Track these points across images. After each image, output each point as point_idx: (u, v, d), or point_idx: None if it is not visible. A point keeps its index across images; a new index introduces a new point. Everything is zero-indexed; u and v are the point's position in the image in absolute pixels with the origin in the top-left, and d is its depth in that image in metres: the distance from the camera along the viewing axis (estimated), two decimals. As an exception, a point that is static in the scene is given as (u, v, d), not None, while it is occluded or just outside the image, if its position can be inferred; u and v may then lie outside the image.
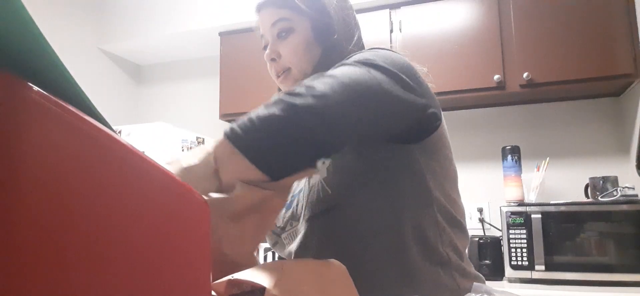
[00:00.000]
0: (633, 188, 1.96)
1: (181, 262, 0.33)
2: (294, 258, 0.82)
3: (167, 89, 3.34)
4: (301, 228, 0.82)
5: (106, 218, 0.28)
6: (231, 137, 0.57)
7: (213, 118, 2.97)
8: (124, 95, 3.28)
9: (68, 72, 0.29)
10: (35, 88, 0.25)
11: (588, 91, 2.28)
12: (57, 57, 0.28)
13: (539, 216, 1.89)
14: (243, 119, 0.58)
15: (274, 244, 0.90)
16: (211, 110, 3.02)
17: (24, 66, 0.27)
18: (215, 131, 3.01)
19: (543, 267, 1.85)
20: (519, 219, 1.92)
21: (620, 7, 2.08)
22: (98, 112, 0.31)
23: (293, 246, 0.84)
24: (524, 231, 1.90)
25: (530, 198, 2.18)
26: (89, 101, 0.31)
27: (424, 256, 0.76)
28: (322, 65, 0.85)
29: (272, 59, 0.88)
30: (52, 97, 0.26)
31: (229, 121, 2.90)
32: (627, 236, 1.80)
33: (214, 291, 0.49)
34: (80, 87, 0.30)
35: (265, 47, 0.91)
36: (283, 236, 0.87)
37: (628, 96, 2.22)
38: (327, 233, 0.79)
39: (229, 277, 0.50)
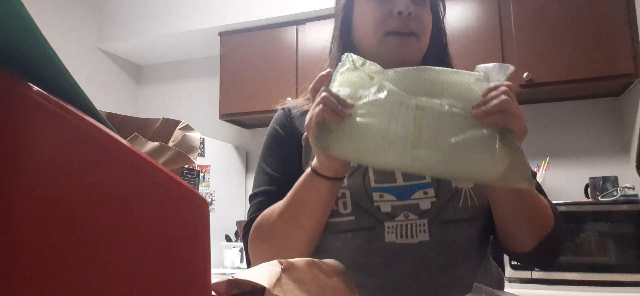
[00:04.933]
0: (633, 188, 1.96)
1: (181, 261, 0.33)
2: (410, 255, 0.77)
3: (167, 89, 3.34)
4: (423, 227, 0.77)
5: (106, 218, 0.28)
6: None
7: (213, 118, 2.97)
8: (124, 95, 3.28)
9: (68, 72, 0.29)
10: (35, 88, 0.25)
11: (588, 91, 2.28)
12: (57, 57, 0.28)
13: (539, 216, 1.89)
14: None
15: (369, 229, 0.78)
16: (211, 110, 3.02)
17: (24, 66, 0.27)
18: (215, 131, 3.01)
19: (543, 267, 1.85)
20: (519, 219, 1.91)
21: (620, 7, 2.07)
22: (98, 112, 0.31)
23: (406, 241, 0.76)
24: (524, 231, 1.89)
25: (530, 198, 2.18)
26: (89, 100, 0.31)
27: (485, 257, 0.86)
28: (427, 54, 0.86)
29: (409, 14, 0.80)
30: (52, 97, 0.26)
31: (229, 121, 2.90)
32: (627, 236, 1.80)
33: (214, 291, 0.49)
34: (80, 87, 0.30)
35: None
36: (388, 224, 0.77)
37: (628, 96, 2.22)
38: (451, 240, 0.77)
39: (229, 277, 0.50)
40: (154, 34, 2.96)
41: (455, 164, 0.60)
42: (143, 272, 0.30)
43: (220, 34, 2.82)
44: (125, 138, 0.37)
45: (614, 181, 2.06)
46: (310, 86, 0.70)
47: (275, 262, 0.54)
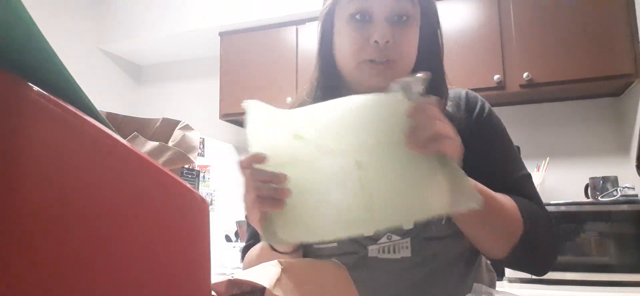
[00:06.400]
0: (633, 188, 1.96)
1: (181, 262, 0.33)
2: (391, 267, 0.78)
3: (167, 89, 3.34)
4: (406, 244, 0.77)
5: (106, 218, 0.28)
6: None
7: (213, 118, 2.97)
8: (124, 95, 3.28)
9: (68, 72, 0.29)
10: (35, 88, 0.25)
11: (588, 91, 2.28)
12: (57, 57, 0.28)
13: (539, 216, 1.88)
14: None
15: (352, 253, 0.79)
16: (211, 110, 3.02)
17: (24, 66, 0.27)
18: (215, 131, 3.01)
19: (543, 267, 1.85)
20: (519, 219, 1.91)
21: (620, 7, 2.07)
22: (98, 112, 0.31)
23: (388, 256, 0.78)
24: (524, 231, 1.89)
25: (530, 198, 2.18)
26: (89, 101, 0.31)
27: (476, 262, 0.86)
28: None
29: (386, 42, 0.74)
30: (52, 97, 0.26)
31: (229, 121, 2.90)
32: (627, 236, 1.80)
33: (214, 291, 0.49)
34: (80, 87, 0.30)
35: (359, 16, 0.76)
36: (371, 247, 0.79)
37: (628, 96, 2.22)
38: (435, 254, 0.78)
39: (229, 277, 0.50)
40: (154, 34, 2.96)
41: (410, 211, 0.57)
42: (143, 272, 0.30)
43: (220, 34, 2.82)
44: (125, 138, 0.37)
45: (614, 181, 2.06)
46: (239, 159, 0.62)
47: (275, 262, 0.53)
